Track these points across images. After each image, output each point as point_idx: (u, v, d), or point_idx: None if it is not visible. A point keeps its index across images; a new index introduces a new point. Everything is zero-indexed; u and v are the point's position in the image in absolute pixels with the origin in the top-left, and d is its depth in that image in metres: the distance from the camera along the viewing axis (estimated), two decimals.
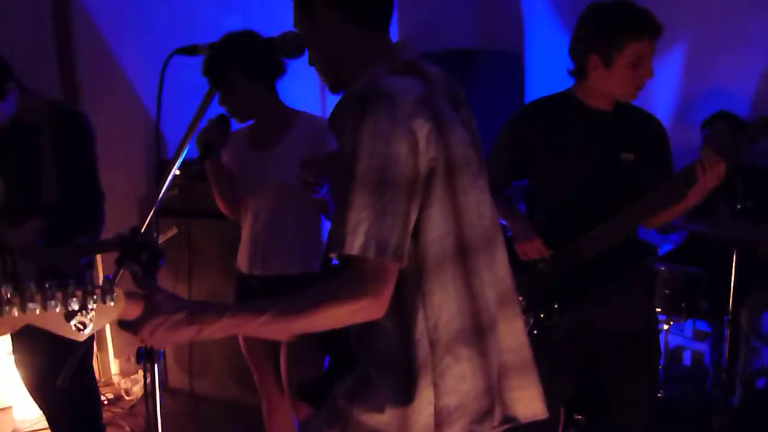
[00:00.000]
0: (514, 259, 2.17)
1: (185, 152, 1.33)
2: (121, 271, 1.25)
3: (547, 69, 2.18)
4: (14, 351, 2.58)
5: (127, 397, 3.74)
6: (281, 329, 1.17)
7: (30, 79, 2.46)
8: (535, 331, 2.17)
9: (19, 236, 2.37)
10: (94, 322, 1.15)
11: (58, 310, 1.13)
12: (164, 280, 3.42)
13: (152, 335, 1.17)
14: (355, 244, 1.13)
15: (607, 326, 2.19)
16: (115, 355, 3.89)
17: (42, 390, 2.50)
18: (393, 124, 1.15)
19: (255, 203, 2.42)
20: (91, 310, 1.14)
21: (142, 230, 1.26)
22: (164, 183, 1.31)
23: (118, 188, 2.69)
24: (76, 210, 2.44)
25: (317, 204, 2.32)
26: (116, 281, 1.18)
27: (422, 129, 1.18)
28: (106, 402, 3.65)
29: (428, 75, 1.30)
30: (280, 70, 2.38)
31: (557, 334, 2.15)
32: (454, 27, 4.87)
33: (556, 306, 2.15)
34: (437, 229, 1.22)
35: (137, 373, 3.85)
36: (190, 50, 1.33)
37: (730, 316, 3.11)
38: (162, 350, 1.35)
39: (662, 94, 4.23)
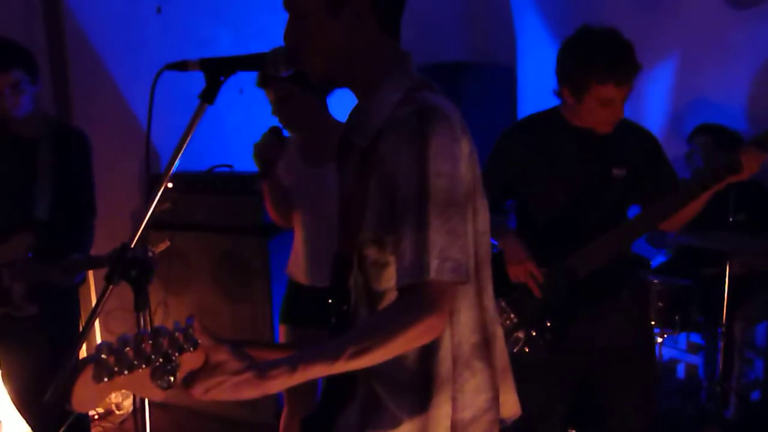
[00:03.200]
0: (505, 277, 2.17)
1: (177, 166, 1.32)
2: (111, 287, 1.24)
3: (539, 81, 2.19)
4: (0, 366, 2.56)
5: (117, 412, 3.70)
6: (359, 365, 1.12)
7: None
8: (527, 349, 2.16)
9: (7, 251, 2.35)
10: (179, 374, 1.01)
11: (145, 368, 0.98)
12: (156, 292, 3.40)
13: (208, 394, 1.06)
14: (432, 268, 1.12)
15: (601, 343, 2.18)
16: None
17: (29, 406, 2.48)
18: (454, 144, 1.16)
19: (311, 218, 2.44)
20: (176, 361, 1.01)
21: (133, 245, 1.25)
22: (155, 197, 1.29)
23: (109, 202, 2.68)
24: (67, 227, 2.45)
25: None
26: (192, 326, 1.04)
27: (468, 149, 1.20)
28: (96, 417, 3.62)
29: (438, 90, 1.29)
30: (333, 84, 2.39)
31: (550, 352, 2.14)
32: (447, 40, 4.89)
33: (548, 323, 2.14)
34: (471, 247, 1.22)
35: None
36: (180, 66, 1.32)
37: (723, 329, 3.11)
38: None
39: (653, 107, 4.25)
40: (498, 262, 2.19)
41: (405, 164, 1.15)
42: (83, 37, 3.55)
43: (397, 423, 1.24)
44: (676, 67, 4.20)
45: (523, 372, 2.29)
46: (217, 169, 3.57)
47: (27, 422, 2.52)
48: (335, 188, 2.35)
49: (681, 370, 4.03)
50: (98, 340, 3.79)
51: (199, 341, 1.03)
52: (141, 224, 1.27)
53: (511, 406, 1.41)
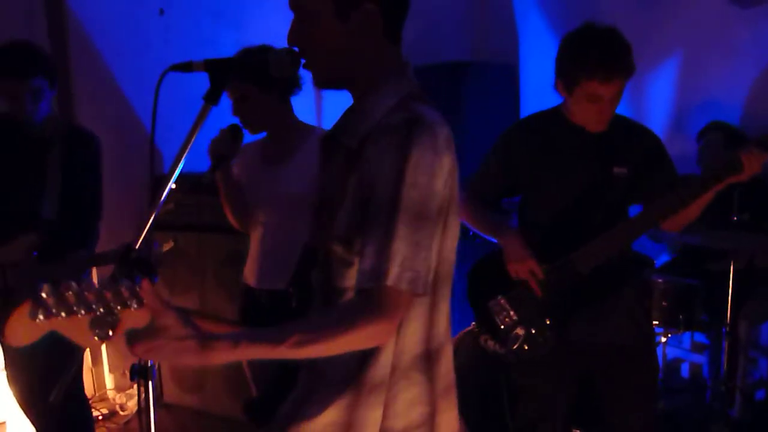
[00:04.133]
0: (506, 275, 2.17)
1: (181, 167, 1.32)
2: None
3: (542, 80, 2.18)
4: (6, 367, 2.56)
5: (121, 413, 3.71)
6: (300, 355, 1.14)
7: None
8: (526, 346, 2.16)
9: (11, 251, 2.36)
10: (118, 329, 1.03)
11: (84, 314, 1.00)
12: (160, 293, 3.40)
13: (147, 354, 1.10)
14: (391, 275, 1.12)
15: (602, 340, 2.17)
16: (110, 370, 3.86)
17: (34, 406, 2.48)
18: (435, 157, 1.16)
19: (265, 217, 2.41)
20: (117, 315, 1.02)
21: (137, 246, 1.25)
22: (159, 198, 1.30)
23: (113, 203, 2.68)
24: (72, 227, 2.45)
25: None
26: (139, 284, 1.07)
27: (449, 165, 1.20)
28: (100, 417, 3.62)
29: (431, 103, 1.29)
30: (294, 85, 2.38)
31: (549, 351, 2.14)
32: (449, 40, 4.88)
33: (548, 322, 2.14)
34: (432, 264, 1.21)
35: (132, 387, 3.81)
36: (185, 67, 1.32)
37: (728, 328, 3.10)
38: (156, 366, 1.34)
39: (656, 106, 4.24)
40: (498, 259, 2.19)
41: (384, 170, 1.15)
42: (86, 38, 3.56)
43: (321, 411, 1.25)
44: (679, 66, 4.19)
45: (523, 369, 2.31)
46: None
47: (32, 423, 2.53)
48: (290, 186, 2.36)
49: (685, 370, 4.02)
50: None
51: (145, 301, 1.04)
52: (145, 225, 1.27)
53: (451, 425, 1.36)
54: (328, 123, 4.44)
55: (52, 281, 0.99)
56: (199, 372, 3.55)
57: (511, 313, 2.20)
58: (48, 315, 0.98)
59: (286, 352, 1.11)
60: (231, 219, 2.53)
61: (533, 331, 2.15)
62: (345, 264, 1.24)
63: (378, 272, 1.13)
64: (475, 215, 2.26)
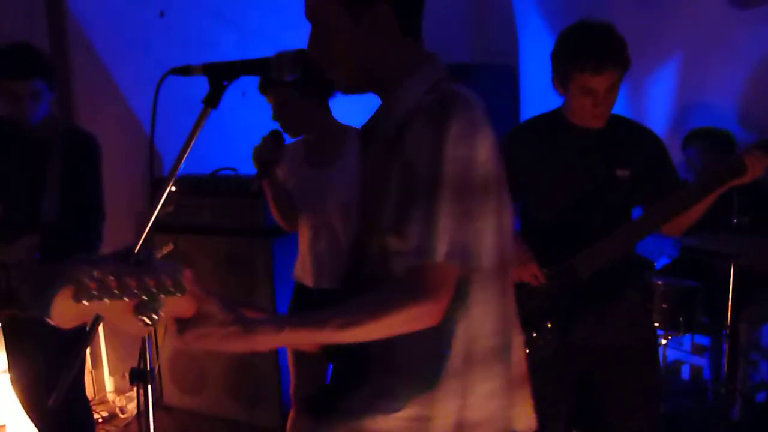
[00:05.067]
0: None
1: (180, 169, 1.32)
2: None
3: (542, 81, 2.18)
4: (9, 369, 2.56)
5: (121, 415, 3.70)
6: (342, 339, 1.12)
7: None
8: (527, 349, 2.16)
9: (13, 252, 2.36)
10: (162, 315, 1.01)
11: (128, 300, 0.98)
12: None
13: (197, 342, 1.09)
14: (439, 251, 1.10)
15: (603, 343, 2.17)
16: (110, 373, 3.86)
17: (36, 408, 2.48)
18: (474, 129, 1.14)
19: (314, 220, 2.45)
20: (161, 302, 1.01)
21: (137, 249, 1.25)
22: (159, 200, 1.29)
23: (113, 205, 2.68)
24: (74, 229, 2.46)
25: None
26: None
27: (492, 136, 1.17)
28: (100, 420, 3.62)
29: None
30: (333, 88, 2.40)
31: (550, 353, 2.14)
32: (448, 41, 4.88)
33: (549, 325, 2.14)
34: (488, 241, 1.19)
35: (132, 390, 3.81)
36: (184, 70, 1.32)
37: (728, 330, 3.10)
38: (155, 368, 1.34)
39: (656, 108, 4.24)
40: None
41: (423, 148, 1.13)
42: (86, 40, 3.56)
43: (399, 408, 1.23)
44: (678, 67, 4.19)
45: None
46: (221, 172, 3.58)
47: (35, 425, 2.52)
48: (339, 190, 2.38)
49: (686, 372, 4.02)
50: (102, 343, 3.79)
51: (188, 289, 1.03)
52: (145, 227, 1.27)
53: (525, 419, 1.35)
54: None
55: (90, 263, 0.97)
56: (199, 374, 3.55)
57: None
58: (91, 299, 0.96)
59: (329, 335, 1.10)
60: (279, 221, 2.57)
61: (534, 334, 2.15)
62: (395, 256, 1.20)
63: (425, 250, 1.10)
64: None
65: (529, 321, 2.16)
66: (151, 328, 1.02)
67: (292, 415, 2.66)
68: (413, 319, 1.12)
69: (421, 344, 1.21)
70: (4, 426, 3.50)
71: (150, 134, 1.40)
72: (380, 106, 1.34)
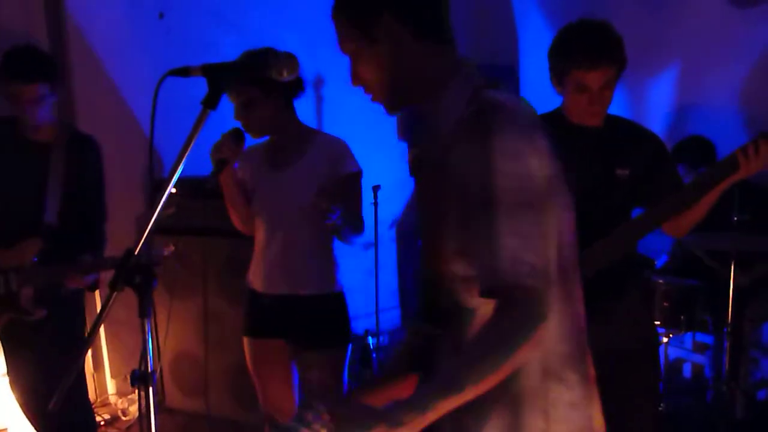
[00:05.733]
0: None
1: (180, 171, 1.31)
2: (115, 294, 1.24)
3: (542, 81, 2.17)
4: (8, 372, 2.56)
5: (123, 418, 3.70)
6: (480, 392, 1.09)
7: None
8: None
9: (16, 256, 2.36)
10: None
11: None
12: (160, 297, 3.40)
13: None
14: (507, 272, 1.06)
15: (604, 343, 2.16)
16: (112, 375, 3.86)
17: (36, 411, 2.48)
18: (519, 139, 1.10)
19: (270, 222, 2.42)
20: None
21: (137, 251, 1.25)
22: (159, 202, 1.29)
23: (112, 207, 2.68)
24: (77, 231, 2.47)
25: (331, 226, 2.30)
26: None
27: (543, 144, 1.13)
28: (102, 423, 3.62)
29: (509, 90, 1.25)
30: (298, 89, 2.38)
31: None
32: None
33: None
34: (552, 251, 1.15)
35: (134, 392, 3.81)
36: (183, 71, 1.32)
37: (729, 328, 3.10)
38: (157, 371, 1.33)
39: (656, 108, 4.24)
40: None
41: (471, 166, 1.10)
42: (86, 42, 3.56)
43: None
44: (678, 67, 4.19)
45: None
46: None
47: (34, 427, 2.52)
48: (296, 193, 2.35)
49: (687, 370, 4.01)
50: (103, 346, 3.79)
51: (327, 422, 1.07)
52: (145, 230, 1.27)
53: (602, 424, 1.29)
54: (329, 125, 4.46)
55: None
56: (202, 376, 3.55)
57: None
58: None
59: (466, 395, 1.07)
60: (235, 222, 2.53)
61: None
62: (469, 281, 1.16)
63: (493, 272, 1.07)
64: None
65: None
66: None
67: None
68: (534, 340, 1.07)
69: None
70: (5, 429, 3.50)
71: (150, 135, 1.40)
72: (421, 126, 1.31)
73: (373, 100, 1.30)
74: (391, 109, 1.30)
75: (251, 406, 2.85)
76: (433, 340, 1.29)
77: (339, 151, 2.37)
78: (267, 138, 2.45)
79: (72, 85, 3.52)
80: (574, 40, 2.01)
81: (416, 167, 1.34)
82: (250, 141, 2.39)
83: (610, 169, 2.11)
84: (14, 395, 2.54)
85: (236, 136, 2.27)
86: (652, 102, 4.24)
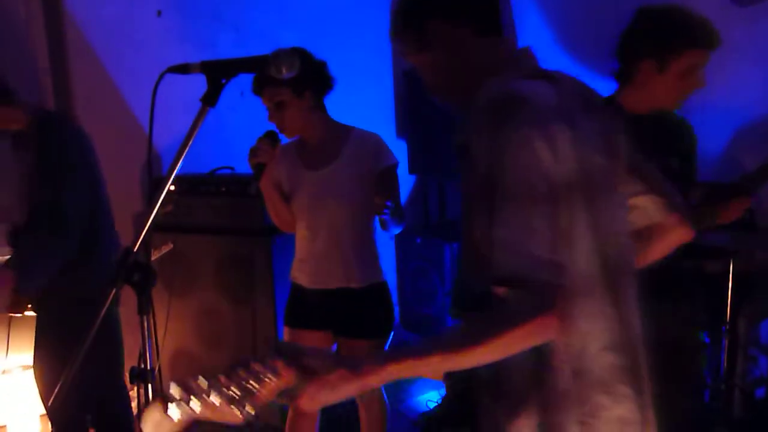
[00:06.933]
0: None
1: (179, 168, 1.32)
2: (114, 291, 1.24)
3: None
4: (33, 365, 2.55)
5: None
6: (452, 366, 1.09)
7: (23, 97, 2.46)
8: None
9: None
10: (258, 402, 1.07)
11: (220, 401, 1.07)
12: (159, 295, 3.40)
13: (313, 401, 1.07)
14: (518, 266, 1.04)
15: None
16: None
17: (56, 408, 2.47)
18: (533, 130, 1.08)
19: (313, 220, 2.45)
20: (255, 390, 1.06)
21: (135, 249, 1.25)
22: (157, 200, 1.29)
23: (112, 205, 2.67)
24: (32, 235, 2.20)
25: (372, 218, 2.39)
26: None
27: (561, 134, 1.10)
28: None
29: (555, 78, 1.22)
30: (328, 86, 2.40)
31: None
32: None
33: None
34: (582, 247, 1.12)
35: (133, 389, 3.81)
36: (182, 69, 1.32)
37: (727, 326, 3.10)
38: (155, 368, 1.34)
39: None
40: None
41: (481, 157, 1.10)
42: (84, 40, 3.55)
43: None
44: None
45: None
46: (219, 171, 3.57)
47: (51, 423, 2.52)
48: (336, 190, 2.37)
49: None
50: None
51: (282, 374, 1.05)
52: (144, 227, 1.27)
53: None
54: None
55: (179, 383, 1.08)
56: (200, 373, 3.54)
57: None
58: (184, 413, 1.06)
59: (436, 363, 1.07)
60: (276, 222, 2.58)
61: None
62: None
63: (498, 263, 1.05)
64: None
65: None
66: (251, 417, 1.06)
67: (290, 414, 2.66)
68: (531, 331, 1.04)
69: (518, 366, 1.13)
70: (4, 427, 3.50)
71: (149, 133, 1.40)
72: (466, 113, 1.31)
73: (442, 102, 1.32)
74: (462, 108, 1.28)
75: None
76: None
77: (376, 144, 2.42)
78: (296, 138, 2.47)
79: (71, 83, 3.51)
80: (686, 22, 1.95)
81: (459, 154, 1.33)
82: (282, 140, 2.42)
83: (663, 159, 2.09)
84: (38, 388, 2.53)
85: (272, 138, 2.31)
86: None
